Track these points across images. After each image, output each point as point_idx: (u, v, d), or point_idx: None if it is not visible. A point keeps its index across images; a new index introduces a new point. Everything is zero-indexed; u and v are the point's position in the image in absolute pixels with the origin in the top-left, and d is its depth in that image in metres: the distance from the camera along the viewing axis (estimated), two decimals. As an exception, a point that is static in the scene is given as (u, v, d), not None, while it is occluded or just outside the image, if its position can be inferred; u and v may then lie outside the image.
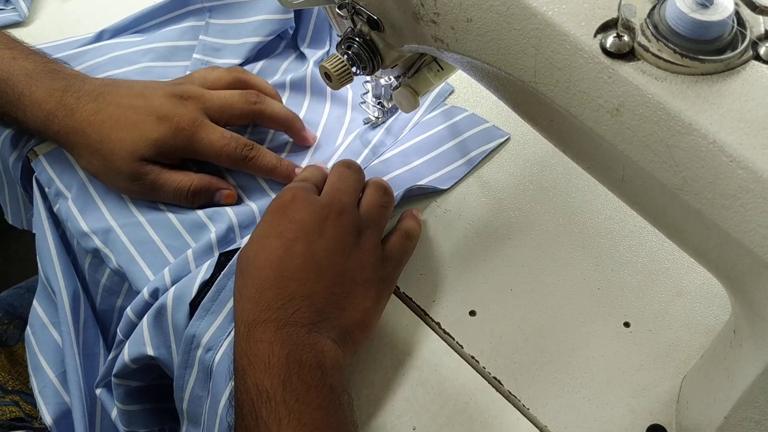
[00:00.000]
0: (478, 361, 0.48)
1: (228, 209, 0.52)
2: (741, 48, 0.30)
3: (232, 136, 0.53)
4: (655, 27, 0.31)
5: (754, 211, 0.29)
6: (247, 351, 0.40)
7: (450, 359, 0.48)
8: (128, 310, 0.48)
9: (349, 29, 0.45)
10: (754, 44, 0.30)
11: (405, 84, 0.50)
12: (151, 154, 0.51)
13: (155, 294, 0.48)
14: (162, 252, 0.50)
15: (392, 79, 0.52)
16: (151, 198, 0.53)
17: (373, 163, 0.56)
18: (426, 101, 0.60)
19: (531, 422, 0.46)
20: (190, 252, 0.49)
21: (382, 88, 0.54)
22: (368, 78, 0.54)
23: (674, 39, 0.30)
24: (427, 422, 0.46)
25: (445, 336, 0.49)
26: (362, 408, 0.46)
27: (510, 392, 0.47)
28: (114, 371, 0.48)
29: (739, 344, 0.36)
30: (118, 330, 0.49)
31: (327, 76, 0.47)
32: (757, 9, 0.30)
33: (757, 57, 0.30)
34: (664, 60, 0.30)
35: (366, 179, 0.51)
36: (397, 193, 0.52)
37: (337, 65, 0.46)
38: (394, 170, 0.56)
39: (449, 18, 0.37)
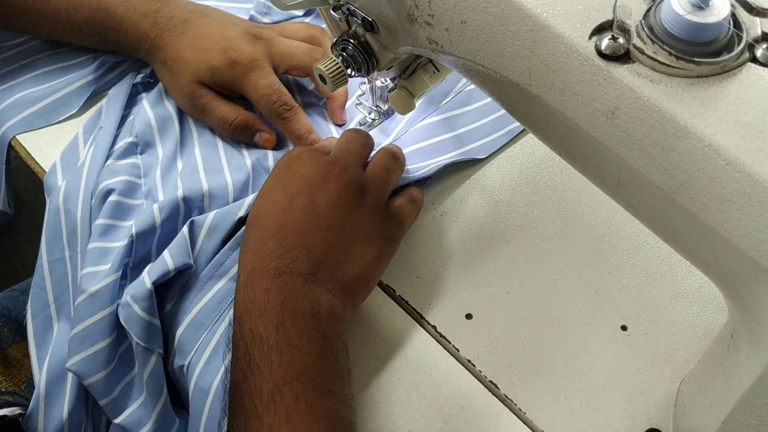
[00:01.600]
0: (474, 365, 0.48)
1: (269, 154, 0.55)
2: (737, 50, 0.30)
3: (279, 89, 0.55)
4: (651, 29, 0.30)
5: (750, 215, 0.28)
6: (244, 297, 0.42)
7: (446, 363, 0.48)
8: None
9: (344, 31, 0.45)
10: (751, 46, 0.30)
11: (401, 86, 0.50)
12: (206, 79, 0.55)
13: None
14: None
15: (388, 80, 0.52)
16: (200, 120, 0.57)
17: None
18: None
19: (527, 426, 0.46)
20: (230, 182, 0.52)
21: (378, 90, 0.54)
22: (364, 80, 0.54)
23: (670, 41, 0.30)
24: (423, 426, 0.45)
25: (441, 339, 0.49)
26: (357, 412, 0.46)
27: (506, 396, 0.47)
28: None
29: (736, 348, 0.36)
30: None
31: (322, 78, 0.47)
32: (753, 11, 0.30)
33: (754, 59, 0.30)
34: (660, 62, 0.30)
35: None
36: (432, 163, 0.54)
37: (332, 67, 0.46)
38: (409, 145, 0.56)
39: (444, 20, 0.36)
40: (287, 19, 0.65)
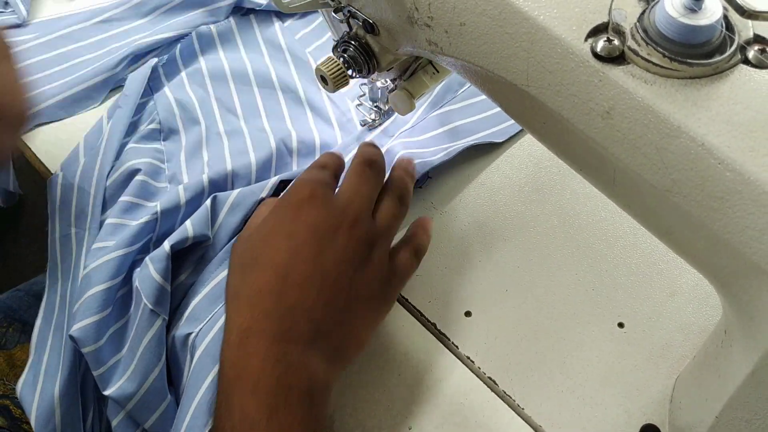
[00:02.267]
0: (473, 362, 0.48)
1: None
2: (729, 52, 0.30)
3: None
4: (645, 31, 0.31)
5: (741, 213, 0.29)
6: (236, 362, 0.39)
7: (445, 359, 0.49)
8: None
9: (345, 33, 0.46)
10: (743, 48, 0.31)
11: (401, 87, 0.50)
12: None
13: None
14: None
15: (388, 81, 0.52)
16: None
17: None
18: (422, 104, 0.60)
19: (525, 422, 0.46)
20: (253, 161, 0.54)
21: (379, 91, 0.55)
22: (365, 81, 0.55)
23: (663, 43, 0.30)
24: (423, 422, 0.46)
25: (441, 336, 0.50)
26: (358, 408, 0.47)
27: (505, 392, 0.47)
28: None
29: (730, 344, 0.36)
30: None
31: (323, 79, 0.47)
32: (745, 13, 0.30)
33: (746, 61, 0.31)
34: (654, 64, 0.30)
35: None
36: (453, 145, 0.55)
37: (333, 68, 0.46)
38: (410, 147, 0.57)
39: (443, 22, 0.37)
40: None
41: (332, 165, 0.48)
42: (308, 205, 0.43)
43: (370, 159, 0.46)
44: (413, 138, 0.58)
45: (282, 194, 0.47)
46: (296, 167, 0.56)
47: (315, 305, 0.40)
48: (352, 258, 0.42)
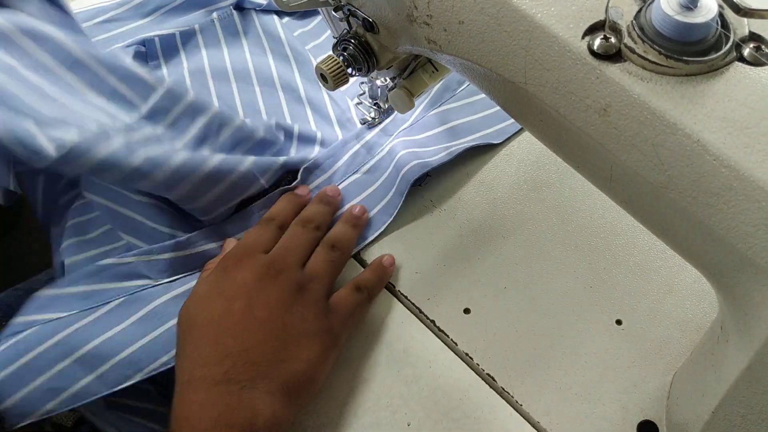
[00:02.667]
0: (472, 358, 0.49)
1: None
2: (724, 49, 0.30)
3: None
4: (641, 29, 0.31)
5: (736, 209, 0.29)
6: (177, 414, 0.40)
7: (444, 356, 0.49)
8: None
9: (345, 31, 0.46)
10: (738, 46, 0.31)
11: (400, 85, 0.51)
12: None
13: None
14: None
15: (388, 80, 0.53)
16: None
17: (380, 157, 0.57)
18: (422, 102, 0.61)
19: (524, 418, 0.47)
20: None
21: (378, 89, 0.55)
22: (364, 79, 0.55)
23: (659, 41, 0.31)
24: (422, 418, 0.46)
25: (440, 333, 0.50)
26: (357, 404, 0.47)
27: (503, 388, 0.47)
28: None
29: (726, 340, 0.36)
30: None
31: (323, 77, 0.48)
32: (740, 11, 0.30)
33: (741, 58, 0.31)
34: (650, 61, 0.31)
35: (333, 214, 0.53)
36: (453, 145, 0.56)
37: (333, 66, 0.47)
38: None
39: (442, 20, 0.37)
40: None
41: (281, 216, 0.52)
42: (236, 267, 0.47)
43: (305, 219, 0.52)
44: (413, 137, 0.58)
45: (150, 260, 0.50)
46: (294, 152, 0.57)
47: (250, 347, 0.42)
48: (282, 302, 0.45)
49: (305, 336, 0.44)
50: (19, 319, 0.49)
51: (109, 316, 0.48)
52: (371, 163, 0.57)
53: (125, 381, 0.46)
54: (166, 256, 0.50)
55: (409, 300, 0.51)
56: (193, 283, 0.49)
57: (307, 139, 0.58)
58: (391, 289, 0.52)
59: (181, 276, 0.51)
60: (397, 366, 0.49)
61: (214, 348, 0.42)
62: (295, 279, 0.46)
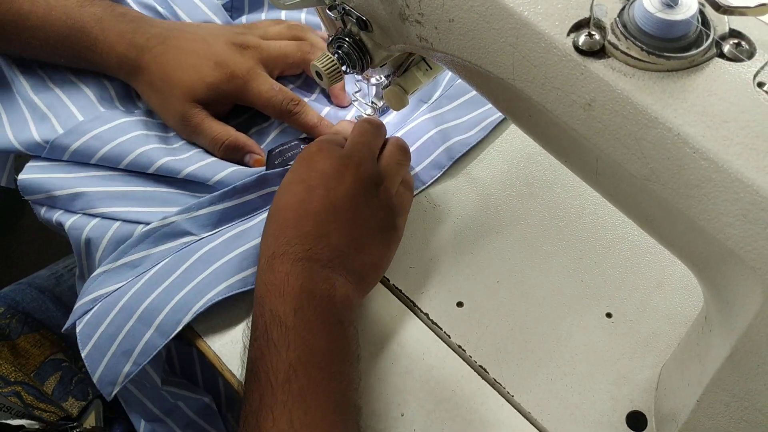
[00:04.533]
0: (464, 350, 0.50)
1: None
2: (705, 46, 0.31)
3: (281, 89, 0.57)
4: (625, 26, 0.32)
5: (716, 200, 0.30)
6: (265, 280, 0.44)
7: (437, 348, 0.50)
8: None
9: (340, 29, 0.47)
10: (718, 43, 0.32)
11: (395, 83, 0.52)
12: (203, 97, 0.55)
13: None
14: None
15: (382, 77, 0.54)
16: (192, 139, 0.58)
17: None
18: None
19: (515, 409, 0.47)
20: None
21: (373, 87, 0.56)
22: (360, 77, 0.56)
23: (642, 37, 0.32)
24: (415, 409, 0.47)
25: (433, 326, 0.51)
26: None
27: (495, 380, 0.48)
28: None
29: (710, 330, 0.37)
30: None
31: (318, 74, 0.49)
32: (720, 9, 0.31)
33: (721, 54, 0.32)
34: (633, 57, 0.32)
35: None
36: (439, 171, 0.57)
37: (327, 64, 0.48)
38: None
39: (433, 18, 0.38)
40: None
41: (344, 132, 0.55)
42: (317, 157, 0.49)
43: (369, 118, 0.54)
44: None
45: (194, 216, 0.53)
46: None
47: (330, 233, 0.46)
48: (360, 194, 0.47)
49: (378, 230, 0.48)
50: (86, 299, 0.51)
51: (159, 274, 0.51)
52: None
53: (178, 326, 0.49)
54: (205, 211, 0.53)
55: (403, 293, 0.52)
56: (237, 230, 0.53)
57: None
58: (386, 283, 0.53)
59: (223, 227, 0.53)
60: (392, 358, 0.49)
61: (295, 230, 0.45)
62: (371, 173, 0.49)
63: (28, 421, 0.58)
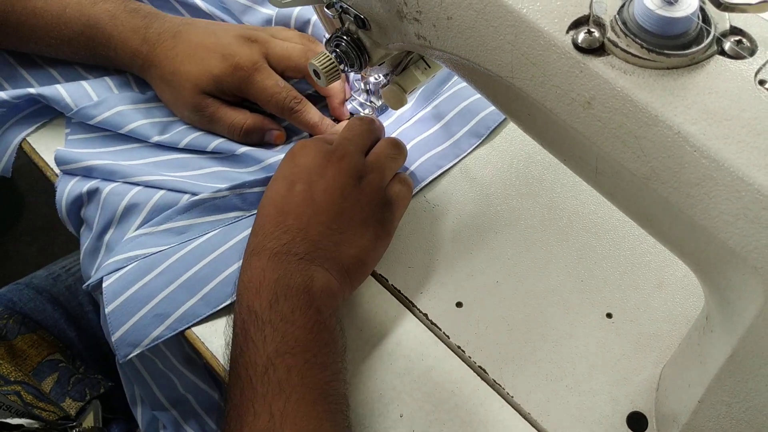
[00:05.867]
0: (464, 351, 0.49)
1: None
2: (705, 43, 0.31)
3: (285, 85, 0.57)
4: (624, 23, 0.32)
5: (717, 199, 0.30)
6: (243, 277, 0.44)
7: (437, 349, 0.50)
8: None
9: (337, 28, 0.47)
10: (719, 40, 0.32)
11: (393, 81, 0.51)
12: (211, 88, 0.56)
13: None
14: None
15: (381, 76, 0.53)
16: (209, 128, 0.58)
17: None
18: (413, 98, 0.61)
19: (515, 410, 0.47)
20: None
21: (372, 86, 0.56)
22: (358, 76, 0.56)
23: (642, 35, 0.31)
24: (414, 410, 0.47)
25: (432, 326, 0.50)
26: (351, 396, 0.47)
27: (495, 381, 0.48)
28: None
29: (711, 330, 0.37)
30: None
31: (316, 73, 0.48)
32: (721, 6, 0.31)
33: (722, 52, 0.32)
34: (633, 55, 0.31)
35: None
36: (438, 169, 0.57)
37: (325, 63, 0.47)
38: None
39: (431, 16, 0.38)
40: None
41: (333, 131, 0.55)
42: (300, 152, 0.49)
43: (362, 117, 0.54)
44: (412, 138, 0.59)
45: (244, 193, 0.54)
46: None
47: (309, 227, 0.46)
48: (341, 187, 0.47)
49: (361, 224, 0.47)
50: (119, 257, 0.51)
51: (209, 244, 0.52)
52: None
53: (227, 299, 0.50)
54: (257, 189, 0.54)
55: (402, 294, 0.52)
56: None
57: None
58: (385, 283, 0.52)
59: None
60: (390, 359, 0.49)
61: (274, 225, 0.46)
62: (355, 166, 0.48)
63: (28, 420, 0.58)
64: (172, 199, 0.53)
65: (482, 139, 0.59)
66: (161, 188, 0.54)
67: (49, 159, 0.59)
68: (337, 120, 0.60)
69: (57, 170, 0.58)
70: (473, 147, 0.58)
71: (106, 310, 0.49)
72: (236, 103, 0.58)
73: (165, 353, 0.55)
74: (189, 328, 0.49)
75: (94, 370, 0.68)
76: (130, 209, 0.53)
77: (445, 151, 0.58)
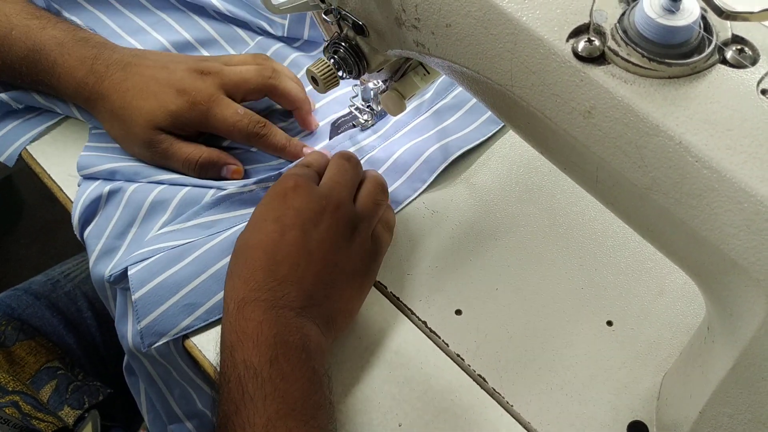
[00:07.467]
0: (463, 359, 0.49)
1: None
2: (707, 52, 0.31)
3: (245, 112, 0.55)
4: (625, 32, 0.32)
5: (719, 210, 0.30)
6: (236, 327, 0.42)
7: (436, 357, 0.49)
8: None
9: (336, 34, 0.46)
10: (720, 49, 0.31)
11: (392, 88, 0.51)
12: (166, 124, 0.54)
13: None
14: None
15: (380, 83, 0.53)
16: (163, 164, 0.56)
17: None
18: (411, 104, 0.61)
19: (515, 419, 0.47)
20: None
21: (371, 92, 0.55)
22: (357, 82, 0.55)
23: (643, 43, 0.31)
24: (413, 419, 0.47)
25: (431, 334, 0.50)
26: (349, 405, 0.47)
27: (494, 389, 0.48)
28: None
29: (713, 340, 0.37)
30: None
31: (314, 80, 0.48)
32: (723, 14, 0.31)
33: (724, 61, 0.31)
34: (633, 64, 0.31)
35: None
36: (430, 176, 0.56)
37: (323, 69, 0.47)
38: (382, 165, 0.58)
39: (429, 23, 0.38)
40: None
41: (316, 163, 0.52)
42: (293, 194, 0.47)
43: (347, 154, 0.52)
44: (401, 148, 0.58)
45: (270, 186, 0.51)
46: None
47: (304, 278, 0.44)
48: (336, 238, 0.46)
49: (351, 276, 0.47)
50: (146, 249, 0.51)
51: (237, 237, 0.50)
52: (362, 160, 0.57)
53: None
54: None
55: (401, 301, 0.52)
56: None
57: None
58: (383, 291, 0.52)
59: None
60: (389, 367, 0.49)
61: (268, 273, 0.44)
62: (349, 216, 0.47)
63: None
64: (197, 194, 0.53)
65: (477, 143, 0.58)
66: (186, 185, 0.54)
67: (48, 166, 0.59)
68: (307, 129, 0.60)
69: (55, 177, 0.58)
70: (462, 150, 0.58)
71: (134, 297, 0.48)
72: (190, 138, 0.56)
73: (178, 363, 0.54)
74: (219, 319, 0.48)
75: (93, 376, 0.68)
76: (156, 206, 0.53)
77: (435, 154, 0.57)
